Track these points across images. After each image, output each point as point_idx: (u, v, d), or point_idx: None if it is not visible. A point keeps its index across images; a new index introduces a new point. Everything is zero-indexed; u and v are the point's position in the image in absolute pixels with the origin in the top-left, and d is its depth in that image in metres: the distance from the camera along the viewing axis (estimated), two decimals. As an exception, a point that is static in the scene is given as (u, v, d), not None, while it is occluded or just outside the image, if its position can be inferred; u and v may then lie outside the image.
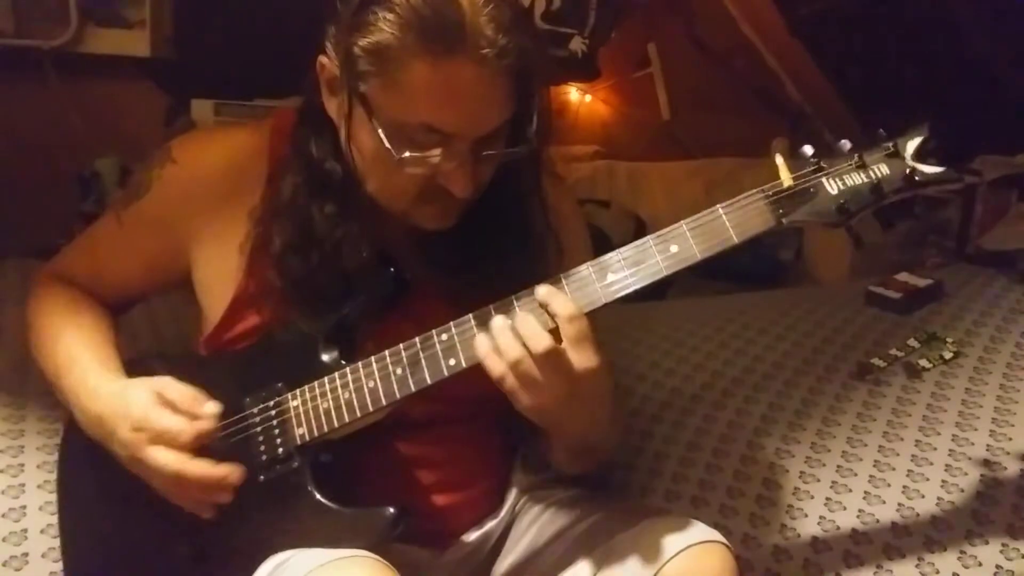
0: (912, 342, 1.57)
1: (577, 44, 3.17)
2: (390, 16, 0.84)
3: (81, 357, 1.03)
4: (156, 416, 0.92)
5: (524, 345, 0.83)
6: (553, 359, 0.82)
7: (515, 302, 0.87)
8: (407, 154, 0.88)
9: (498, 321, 0.85)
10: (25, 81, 2.58)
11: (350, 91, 0.88)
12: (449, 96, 0.86)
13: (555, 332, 0.84)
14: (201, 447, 0.94)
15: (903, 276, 1.84)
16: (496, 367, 0.84)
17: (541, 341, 0.82)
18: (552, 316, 0.84)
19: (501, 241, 0.99)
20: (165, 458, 0.92)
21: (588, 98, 3.52)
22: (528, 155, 0.95)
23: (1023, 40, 2.44)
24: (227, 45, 2.62)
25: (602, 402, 0.92)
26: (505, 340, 0.84)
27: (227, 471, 0.93)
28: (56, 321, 1.08)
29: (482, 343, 0.85)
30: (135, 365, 1.06)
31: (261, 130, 1.07)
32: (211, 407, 0.94)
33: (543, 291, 0.85)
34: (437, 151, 0.88)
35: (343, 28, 0.87)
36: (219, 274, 1.05)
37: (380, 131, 0.88)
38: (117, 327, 1.13)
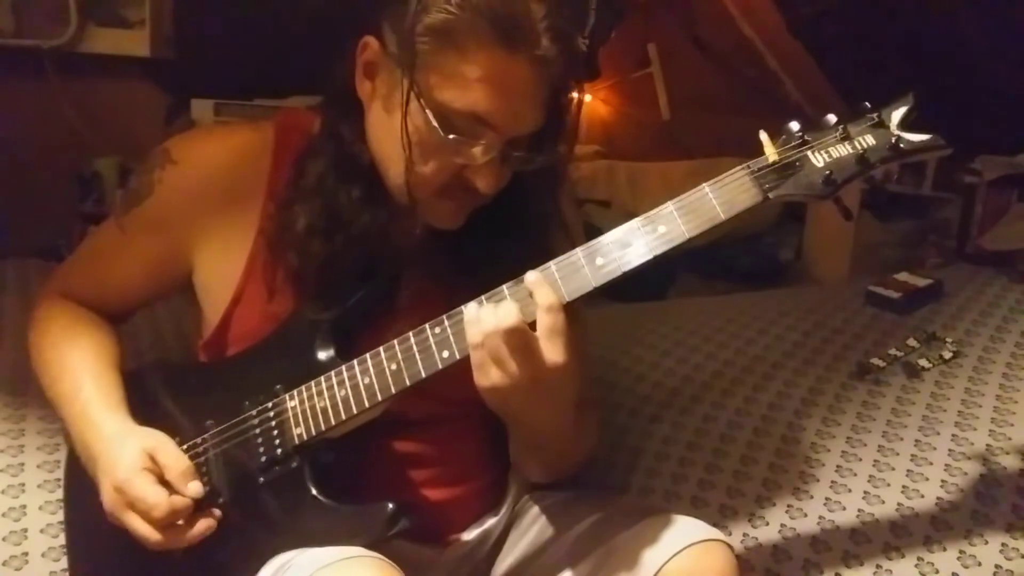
0: (912, 342, 1.57)
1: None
2: (462, 1, 0.85)
3: (86, 387, 1.02)
4: (137, 484, 0.91)
5: (498, 319, 0.84)
6: (520, 339, 0.84)
7: (505, 291, 0.88)
8: (452, 136, 0.89)
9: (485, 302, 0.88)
10: (25, 81, 2.58)
11: (407, 69, 0.88)
12: (504, 89, 0.88)
13: (533, 324, 0.86)
14: (197, 466, 0.95)
15: (903, 276, 1.84)
16: (472, 335, 0.86)
17: (511, 319, 0.83)
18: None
19: (508, 247, 0.99)
20: (142, 529, 0.91)
21: (588, 98, 3.52)
22: (551, 165, 0.96)
23: (1023, 40, 2.44)
24: (227, 45, 2.62)
25: (563, 403, 0.92)
26: (485, 312, 0.86)
27: (201, 529, 0.93)
28: (60, 347, 1.07)
29: (468, 311, 0.87)
30: (135, 378, 1.05)
31: (263, 129, 1.07)
32: (194, 488, 0.93)
33: (532, 276, 0.87)
34: (479, 141, 0.90)
35: (409, 5, 0.87)
36: (220, 274, 1.05)
37: (428, 111, 0.89)
38: (120, 341, 1.11)
